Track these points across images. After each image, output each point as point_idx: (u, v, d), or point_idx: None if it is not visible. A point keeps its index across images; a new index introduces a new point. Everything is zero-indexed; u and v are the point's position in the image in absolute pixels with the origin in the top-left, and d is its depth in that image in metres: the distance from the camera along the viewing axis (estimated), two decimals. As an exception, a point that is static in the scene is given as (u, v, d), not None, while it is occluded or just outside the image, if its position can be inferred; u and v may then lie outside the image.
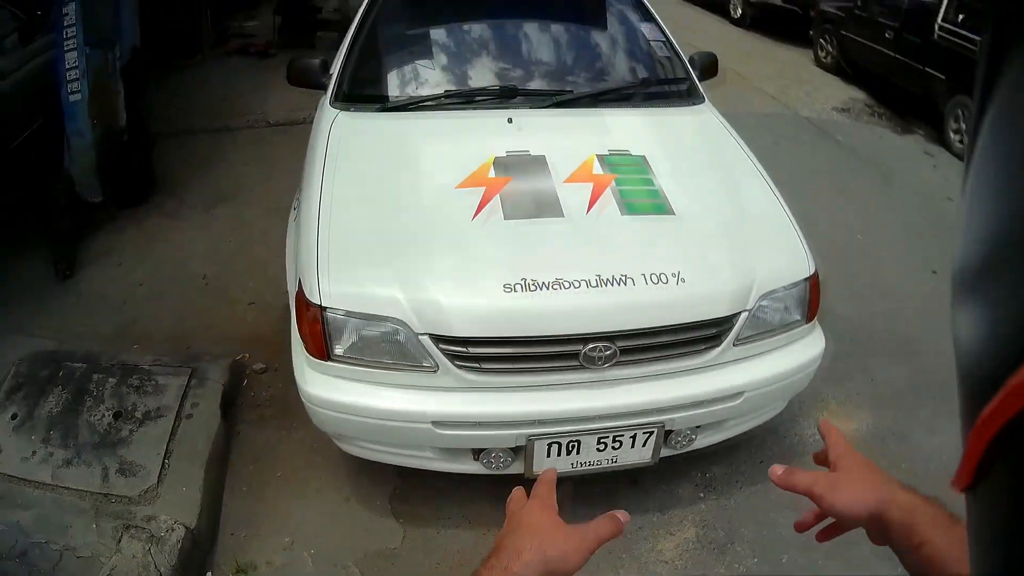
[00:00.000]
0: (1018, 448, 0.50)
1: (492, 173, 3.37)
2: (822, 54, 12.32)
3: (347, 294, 2.87)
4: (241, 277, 5.20)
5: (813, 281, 3.23)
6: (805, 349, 3.31)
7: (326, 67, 4.33)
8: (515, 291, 2.81)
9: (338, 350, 2.88)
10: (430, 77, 4.23)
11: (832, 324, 4.20)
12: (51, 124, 6.24)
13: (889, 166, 8.01)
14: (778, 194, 3.53)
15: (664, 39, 4.57)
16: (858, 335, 4.81)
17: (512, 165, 3.42)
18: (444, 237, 3.10)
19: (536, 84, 4.19)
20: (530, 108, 3.91)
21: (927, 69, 9.04)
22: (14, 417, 3.73)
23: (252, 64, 10.71)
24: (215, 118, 8.28)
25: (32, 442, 3.59)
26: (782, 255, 3.25)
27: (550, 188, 3.30)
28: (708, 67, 4.64)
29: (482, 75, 4.23)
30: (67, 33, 5.87)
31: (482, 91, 4.05)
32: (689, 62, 4.52)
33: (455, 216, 3.15)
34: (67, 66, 5.91)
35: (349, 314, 2.84)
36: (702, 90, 4.34)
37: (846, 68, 11.63)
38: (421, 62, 4.34)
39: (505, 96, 3.98)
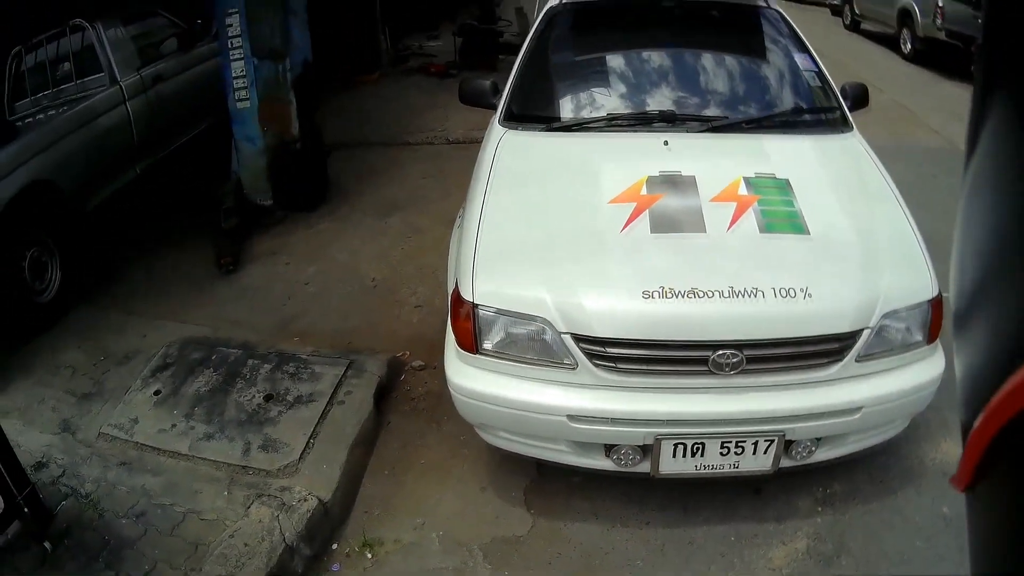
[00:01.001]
0: (1017, 448, 0.55)
1: (644, 191, 3.65)
2: None
3: (498, 293, 3.21)
4: (410, 281, 5.40)
5: (936, 303, 3.37)
6: (925, 370, 3.43)
7: (496, 89, 4.73)
8: (653, 298, 3.08)
9: (487, 345, 3.22)
10: (594, 100, 4.62)
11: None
12: (219, 128, 6.73)
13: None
14: (911, 219, 3.69)
15: (816, 69, 4.81)
16: None
17: (664, 184, 3.69)
18: (593, 246, 3.39)
19: (693, 110, 4.49)
20: (686, 132, 4.19)
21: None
22: (157, 393, 4.06)
23: (432, 83, 11.11)
24: (393, 133, 8.67)
25: (173, 416, 3.88)
26: (907, 277, 3.41)
27: (696, 206, 3.55)
28: (859, 97, 4.78)
29: (643, 100, 4.60)
30: (232, 43, 6.38)
31: (643, 115, 4.39)
32: (840, 92, 4.69)
33: (605, 228, 3.44)
34: (233, 74, 6.41)
35: (499, 312, 3.18)
36: (851, 119, 4.52)
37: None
38: (586, 86, 4.77)
39: (664, 120, 4.28)
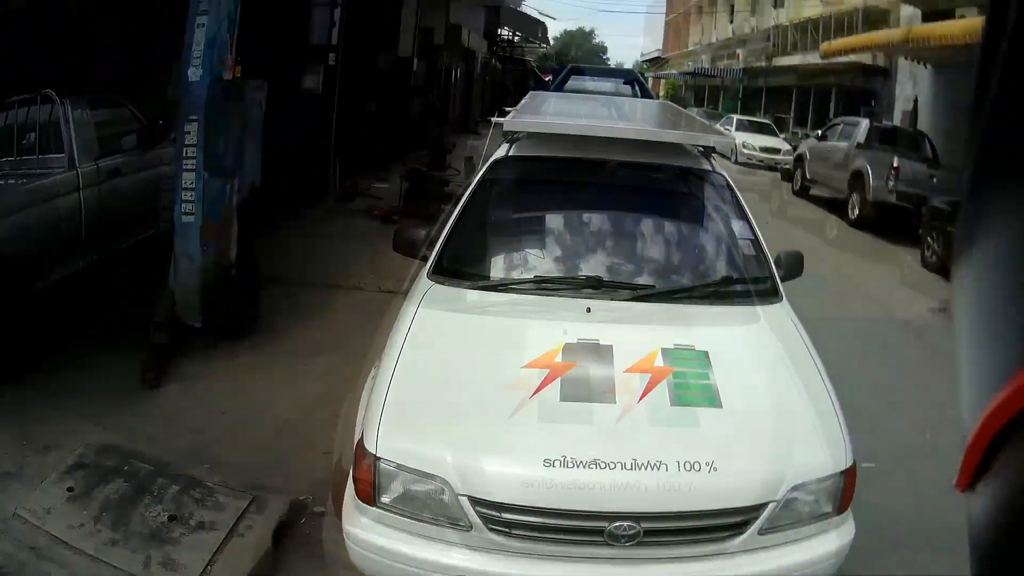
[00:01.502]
0: (1016, 448, 0.59)
1: (560, 358, 3.83)
2: (928, 253, 13.16)
3: (401, 448, 3.38)
4: (322, 427, 5.65)
5: (849, 474, 3.54)
6: (832, 540, 3.59)
7: (430, 240, 4.88)
8: (554, 466, 3.23)
9: (385, 499, 3.37)
10: (524, 261, 4.90)
11: (881, 520, 4.59)
12: (162, 239, 6.99)
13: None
14: (831, 392, 3.87)
15: (752, 237, 5.04)
16: (907, 528, 5.06)
17: (580, 352, 3.88)
18: (500, 410, 3.53)
19: (621, 276, 4.75)
20: (611, 300, 4.41)
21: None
22: (70, 490, 4.51)
23: (374, 227, 11.64)
24: (328, 273, 9.18)
25: (82, 515, 4.31)
26: (820, 450, 3.57)
27: (609, 376, 3.72)
28: (793, 267, 5.06)
29: (572, 264, 4.87)
30: (187, 152, 6.64)
31: (569, 280, 4.63)
32: (775, 261, 4.94)
33: (515, 393, 3.58)
34: (184, 185, 6.66)
35: (400, 467, 3.33)
36: (781, 290, 4.75)
37: (949, 266, 12.17)
38: (517, 245, 5.06)
39: (590, 286, 4.51)
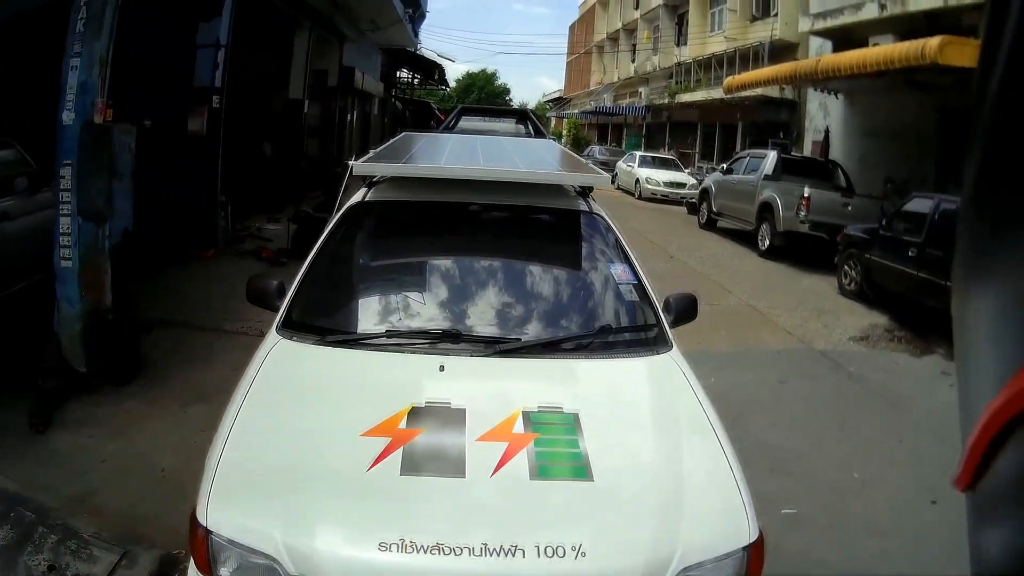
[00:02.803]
0: (1017, 447, 0.61)
1: (404, 424, 3.50)
2: (846, 280, 13.52)
3: (231, 522, 3.07)
4: (199, 477, 5.71)
5: (754, 550, 3.15)
6: None
7: (282, 291, 4.62)
8: (390, 550, 2.89)
9: (222, 572, 3.08)
10: (374, 314, 4.61)
11: (809, 570, 4.74)
12: (49, 283, 7.02)
13: (900, 393, 8.67)
14: (728, 453, 3.52)
15: (635, 281, 4.78)
16: None
17: (427, 417, 3.56)
18: (334, 484, 3.24)
19: (483, 329, 4.41)
20: (469, 356, 4.08)
21: (949, 283, 10.06)
22: None
23: (261, 269, 11.57)
24: (214, 317, 9.26)
25: None
26: (716, 523, 3.22)
27: (459, 446, 3.38)
28: (684, 311, 4.80)
29: (428, 316, 4.52)
30: (63, 196, 6.74)
31: (424, 333, 4.26)
32: (664, 306, 4.70)
33: (350, 464, 3.28)
34: (61, 230, 6.75)
35: (230, 542, 3.03)
36: (670, 337, 4.44)
37: (868, 292, 12.74)
38: (369, 298, 4.81)
39: (448, 339, 4.18)
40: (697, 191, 24.85)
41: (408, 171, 5.23)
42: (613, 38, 55.52)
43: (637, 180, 31.69)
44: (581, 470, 3.30)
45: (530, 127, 17.93)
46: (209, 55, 12.85)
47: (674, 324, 4.66)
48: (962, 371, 0.76)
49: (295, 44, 19.50)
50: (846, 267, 13.56)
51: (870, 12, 19.38)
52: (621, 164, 35.15)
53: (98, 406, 6.78)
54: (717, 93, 30.81)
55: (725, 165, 22.40)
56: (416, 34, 35.54)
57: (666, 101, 40.22)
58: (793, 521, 5.51)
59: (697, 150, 38.45)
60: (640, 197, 30.86)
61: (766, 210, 17.64)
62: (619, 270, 4.87)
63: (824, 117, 24.86)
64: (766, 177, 18.37)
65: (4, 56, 8.52)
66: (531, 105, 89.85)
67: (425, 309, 4.58)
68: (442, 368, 3.92)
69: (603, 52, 58.02)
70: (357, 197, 5.28)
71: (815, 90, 24.05)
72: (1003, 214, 0.69)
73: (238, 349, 8.23)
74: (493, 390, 3.90)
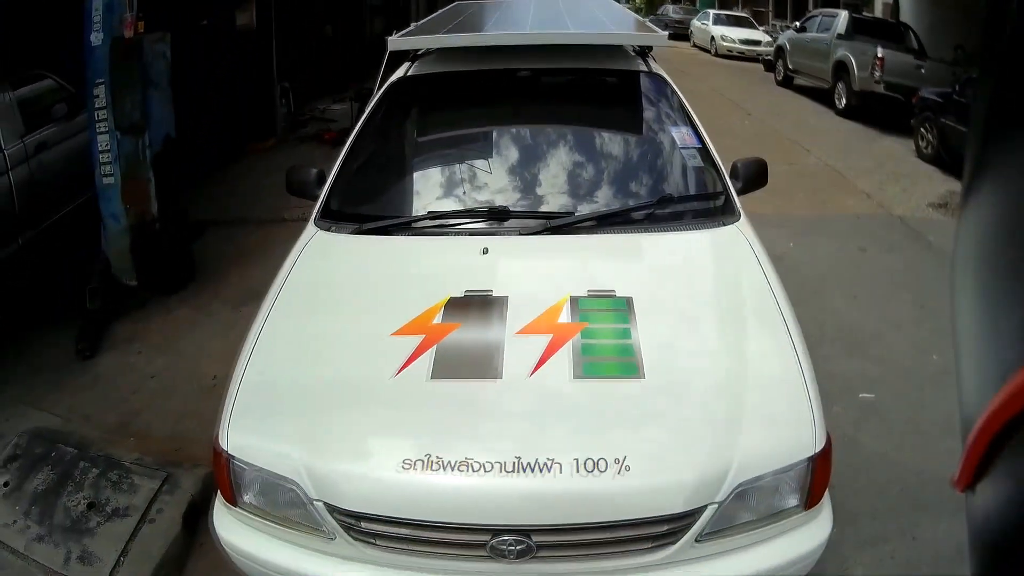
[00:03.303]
0: (1016, 448, 0.59)
1: (439, 319, 3.22)
2: (923, 144, 12.95)
3: (251, 446, 2.90)
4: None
5: (820, 460, 2.81)
6: (800, 540, 2.89)
7: (322, 179, 4.35)
8: (415, 468, 2.66)
9: (246, 498, 2.95)
10: (416, 196, 4.33)
11: (877, 472, 4.43)
12: (95, 203, 6.99)
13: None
14: (798, 345, 3.12)
15: (700, 145, 4.35)
16: (909, 483, 4.56)
17: (465, 308, 3.28)
18: (358, 395, 3.04)
19: (533, 204, 4.09)
20: (517, 235, 3.78)
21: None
22: (6, 484, 4.48)
23: (324, 152, 11.34)
24: (271, 208, 8.98)
25: (15, 511, 4.29)
26: (779, 431, 2.87)
27: (498, 340, 3.09)
28: (752, 178, 4.37)
29: (474, 194, 4.21)
30: (98, 116, 6.62)
31: (468, 212, 3.99)
32: (731, 172, 4.30)
33: (377, 370, 3.03)
34: (100, 148, 6.66)
35: (252, 467, 2.87)
36: (738, 206, 4.04)
37: (945, 157, 12.17)
38: (411, 181, 4.52)
39: (495, 218, 3.89)
40: (772, 49, 24.19)
41: (446, 42, 4.91)
42: None
43: (712, 38, 31.32)
44: (631, 366, 2.97)
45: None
46: None
47: (743, 191, 4.27)
48: (962, 370, 0.75)
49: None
50: (922, 130, 12.92)
51: None
52: (696, 22, 34.66)
53: (149, 320, 6.70)
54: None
55: (798, 23, 21.67)
56: None
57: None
58: (870, 409, 5.21)
59: (770, 9, 37.39)
60: (716, 54, 30.50)
61: (841, 69, 17.16)
62: (682, 133, 4.45)
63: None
64: (839, 36, 17.83)
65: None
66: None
67: (471, 186, 4.27)
68: (486, 251, 3.63)
69: None
70: (399, 73, 4.99)
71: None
72: (1000, 208, 0.67)
73: (297, 237, 8.29)
74: (541, 273, 3.61)
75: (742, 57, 28.84)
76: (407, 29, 5.40)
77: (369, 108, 4.72)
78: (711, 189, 4.20)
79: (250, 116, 11.97)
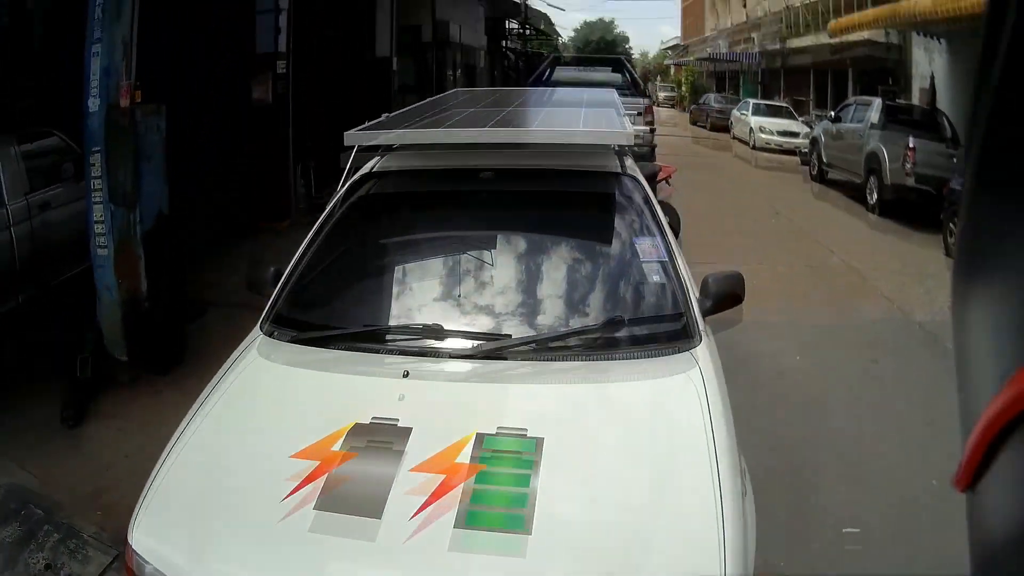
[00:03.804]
0: (1017, 447, 0.60)
1: (338, 445, 3.11)
2: (951, 240, 12.47)
3: (150, 544, 2.90)
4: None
5: None
6: None
7: (278, 277, 4.26)
8: None
9: None
10: (356, 307, 4.24)
11: None
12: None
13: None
14: (725, 502, 2.80)
15: (665, 258, 4.09)
16: None
17: (367, 436, 3.16)
18: (245, 516, 2.99)
19: (468, 324, 3.91)
20: (449, 357, 3.63)
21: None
22: None
23: None
24: (273, 292, 9.09)
25: None
26: None
27: (388, 477, 2.95)
28: (727, 294, 4.01)
29: (415, 309, 4.08)
30: (94, 184, 6.76)
31: (402, 329, 3.87)
32: (702, 288, 4.02)
33: (268, 492, 2.96)
34: (95, 218, 6.79)
35: (148, 564, 2.84)
36: (701, 328, 3.75)
37: None
38: (354, 287, 4.43)
39: (429, 336, 3.72)
40: (808, 141, 24.14)
41: (401, 138, 4.74)
42: None
43: (751, 129, 31.18)
44: (519, 520, 2.73)
45: (627, 76, 17.62)
46: (269, 20, 12.52)
47: (713, 310, 3.97)
48: (962, 371, 0.76)
49: (377, 1, 19.16)
50: (951, 225, 12.50)
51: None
52: (736, 112, 34.76)
53: (135, 397, 6.81)
54: (826, 39, 30.09)
55: (833, 113, 21.59)
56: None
57: (778, 47, 39.45)
58: (852, 544, 4.92)
59: (811, 98, 37.19)
60: (754, 147, 30.40)
61: (873, 161, 16.91)
62: (646, 245, 4.17)
63: (929, 63, 23.69)
64: (872, 127, 17.64)
65: (43, 43, 8.57)
66: (652, 53, 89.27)
67: (412, 300, 4.15)
68: (406, 374, 3.44)
69: None
70: (365, 169, 4.87)
71: (918, 34, 23.13)
72: (1005, 211, 0.68)
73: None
74: (456, 403, 3.41)
75: (780, 150, 28.67)
76: (375, 120, 5.29)
77: (328, 208, 4.63)
78: (670, 310, 3.90)
79: (265, 195, 12.16)
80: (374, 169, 4.85)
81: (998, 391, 0.61)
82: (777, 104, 34.09)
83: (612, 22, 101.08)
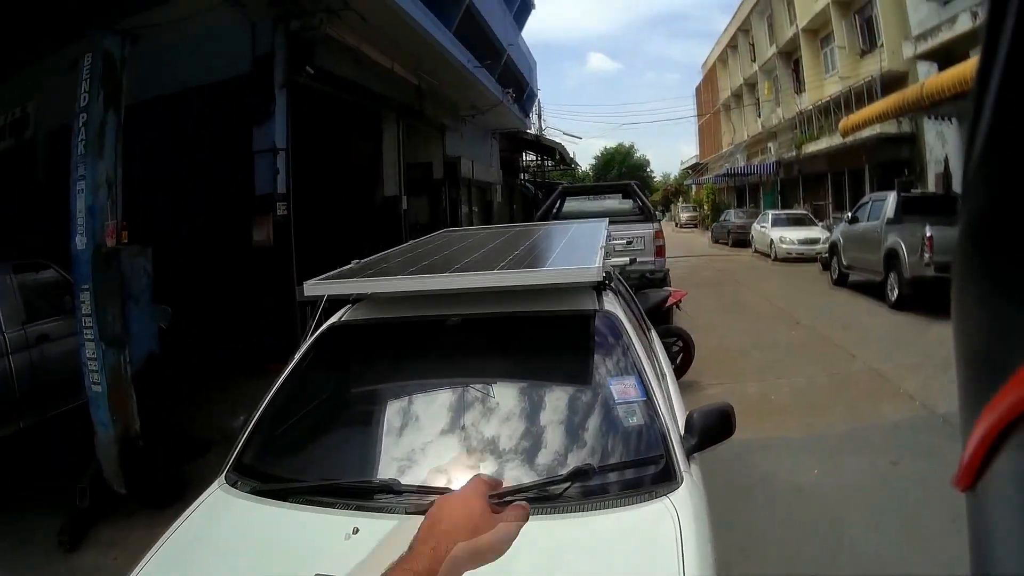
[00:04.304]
0: (1017, 447, 0.62)
1: None
2: None
3: None
4: None
5: None
6: None
7: (247, 425, 4.20)
8: None
9: None
10: (316, 460, 4.08)
11: None
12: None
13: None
14: None
15: (644, 397, 3.83)
16: None
17: None
18: None
19: (427, 478, 3.63)
20: (404, 512, 3.37)
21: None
22: None
23: None
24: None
25: None
26: None
27: None
28: (715, 429, 3.80)
29: (373, 463, 3.86)
30: (85, 322, 6.92)
31: (357, 484, 3.63)
32: (686, 424, 3.81)
33: None
34: (87, 355, 6.95)
35: None
36: (681, 470, 3.49)
37: None
38: (315, 440, 4.26)
39: (384, 492, 3.52)
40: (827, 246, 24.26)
41: (346, 289, 4.58)
42: (737, 95, 56.03)
43: (771, 241, 31.40)
44: None
45: (638, 201, 17.80)
46: (267, 161, 12.70)
47: (699, 447, 3.75)
48: (962, 370, 0.77)
49: (384, 139, 19.57)
50: None
51: (964, 24, 19.11)
52: (756, 226, 35.16)
53: (131, 529, 6.92)
54: (839, 139, 30.47)
55: (849, 214, 21.71)
56: (527, 114, 35.77)
57: (793, 154, 39.95)
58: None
59: (829, 201, 37.78)
60: (776, 259, 30.58)
61: (892, 257, 17.01)
62: (621, 387, 3.91)
63: (942, 146, 24.21)
64: (888, 222, 17.76)
65: (43, 176, 8.92)
66: (674, 174, 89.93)
67: (375, 452, 3.91)
68: (356, 531, 3.28)
69: (730, 111, 58.24)
70: (334, 319, 4.79)
71: (929, 119, 23.41)
72: (1004, 206, 0.68)
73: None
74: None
75: (801, 258, 28.80)
76: (342, 268, 5.17)
77: (296, 357, 4.54)
78: (646, 453, 3.61)
79: (271, 337, 12.20)
80: (342, 319, 4.77)
81: (998, 390, 0.62)
82: (796, 213, 34.42)
83: (631, 147, 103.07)
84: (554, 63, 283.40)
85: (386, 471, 3.68)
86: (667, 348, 9.55)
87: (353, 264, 5.42)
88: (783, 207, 38.16)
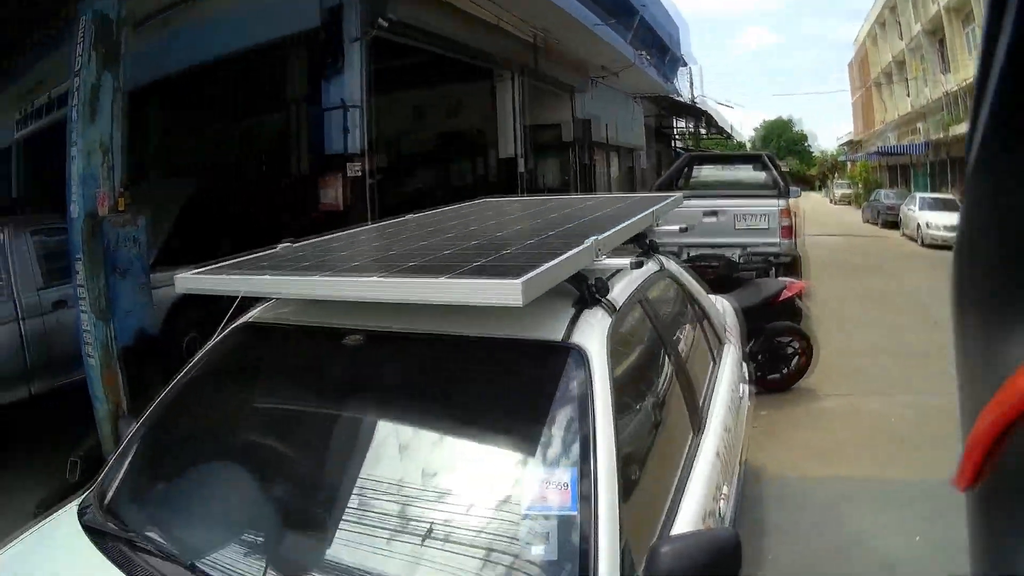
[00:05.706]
0: (1017, 447, 0.59)
1: None
2: None
3: None
4: None
5: None
6: None
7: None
8: None
9: None
10: (181, 514, 3.00)
11: None
12: None
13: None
14: None
15: (573, 508, 2.40)
16: None
17: None
18: None
19: (323, 552, 2.61)
20: None
21: None
22: None
23: None
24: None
25: None
26: None
27: None
28: None
29: (249, 528, 2.83)
30: (79, 293, 6.51)
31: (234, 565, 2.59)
32: (647, 562, 2.31)
33: None
34: (83, 327, 6.54)
35: None
36: None
37: None
38: (188, 483, 3.13)
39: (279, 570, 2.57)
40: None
41: (224, 285, 3.33)
42: (887, 72, 53.92)
43: (918, 225, 29.65)
44: None
45: (772, 173, 16.70)
46: (337, 118, 11.61)
47: None
48: (962, 370, 0.75)
49: (497, 97, 18.50)
50: None
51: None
52: (904, 208, 33.35)
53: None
54: (992, 121, 28.58)
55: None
56: (667, 80, 34.44)
57: (942, 136, 38.12)
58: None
59: (984, 186, 35.69)
60: (923, 244, 28.76)
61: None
62: (542, 483, 2.47)
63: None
64: None
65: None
66: (832, 150, 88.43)
67: (253, 514, 2.84)
68: None
69: (881, 88, 56.39)
70: (252, 313, 3.58)
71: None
72: (1003, 208, 0.69)
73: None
74: None
75: (947, 246, 26.99)
76: (266, 251, 3.90)
77: (192, 360, 3.53)
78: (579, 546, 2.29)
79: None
80: (259, 316, 3.56)
81: (998, 391, 0.60)
82: (944, 197, 32.26)
83: (789, 120, 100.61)
84: (716, 34, 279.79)
85: (252, 542, 2.73)
86: (780, 349, 8.91)
87: (281, 247, 3.97)
88: (932, 190, 36.17)
